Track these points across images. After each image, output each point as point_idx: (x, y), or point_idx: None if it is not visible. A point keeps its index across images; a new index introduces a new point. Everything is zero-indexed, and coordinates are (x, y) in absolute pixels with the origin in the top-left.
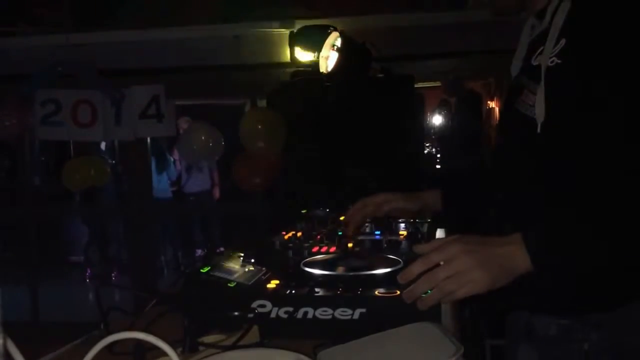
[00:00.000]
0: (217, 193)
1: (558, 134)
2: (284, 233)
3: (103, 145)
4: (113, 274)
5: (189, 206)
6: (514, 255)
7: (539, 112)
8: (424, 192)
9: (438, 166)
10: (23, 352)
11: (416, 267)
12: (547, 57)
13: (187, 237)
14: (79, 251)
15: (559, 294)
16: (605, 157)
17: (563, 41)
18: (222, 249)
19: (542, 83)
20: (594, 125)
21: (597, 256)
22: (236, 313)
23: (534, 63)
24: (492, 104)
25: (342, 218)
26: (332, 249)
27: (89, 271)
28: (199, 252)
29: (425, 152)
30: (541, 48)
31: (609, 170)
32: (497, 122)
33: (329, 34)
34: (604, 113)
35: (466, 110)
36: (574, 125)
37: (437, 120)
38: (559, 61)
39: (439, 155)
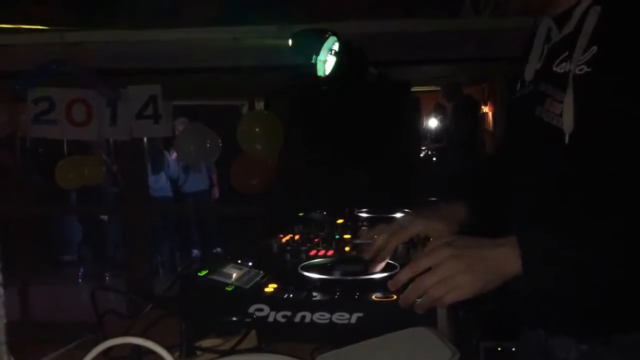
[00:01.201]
0: (216, 193)
1: (587, 146)
2: (281, 236)
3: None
4: (107, 274)
5: (185, 206)
6: (505, 258)
7: (568, 123)
8: (442, 206)
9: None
10: (14, 353)
11: (404, 274)
12: (575, 65)
13: (184, 236)
14: (71, 250)
15: (578, 315)
16: (635, 172)
17: (594, 49)
18: (218, 249)
19: (571, 92)
20: (625, 139)
21: (594, 274)
22: (234, 318)
23: (559, 70)
24: (485, 109)
25: (339, 221)
26: (330, 253)
27: (81, 270)
28: (195, 252)
29: (422, 155)
30: (565, 54)
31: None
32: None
33: (327, 38)
34: (636, 127)
35: (464, 115)
36: (604, 138)
37: (432, 123)
38: (588, 69)
39: (434, 159)
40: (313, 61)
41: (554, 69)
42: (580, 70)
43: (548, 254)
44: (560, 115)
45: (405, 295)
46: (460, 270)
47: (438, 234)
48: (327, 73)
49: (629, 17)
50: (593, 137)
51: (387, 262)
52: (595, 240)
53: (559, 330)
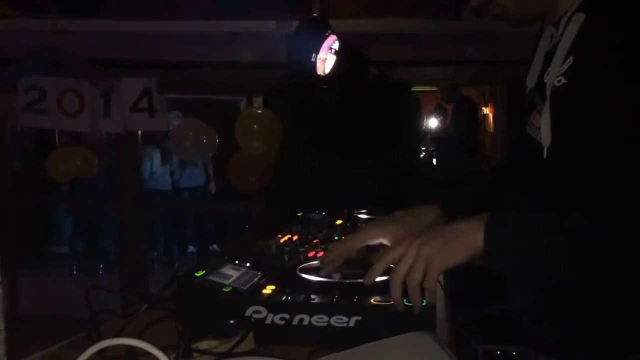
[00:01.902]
0: (213, 188)
1: (563, 162)
2: (279, 236)
3: None
4: (100, 267)
5: (181, 202)
6: (470, 228)
7: (545, 136)
8: (414, 209)
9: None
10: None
11: (375, 270)
12: (553, 76)
13: (181, 232)
14: (61, 241)
15: (564, 336)
16: (608, 188)
17: (571, 59)
18: (215, 245)
19: (547, 105)
20: (599, 154)
21: (549, 264)
22: (232, 321)
23: (545, 80)
24: (486, 110)
25: (338, 222)
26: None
27: (73, 264)
28: (191, 248)
29: (421, 156)
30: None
31: (606, 197)
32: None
33: (327, 36)
34: (609, 143)
35: (463, 117)
36: (579, 154)
37: (433, 123)
38: (565, 81)
39: (434, 160)
40: (312, 59)
41: (544, 79)
42: (558, 82)
43: (512, 225)
44: (540, 128)
45: (392, 296)
46: (422, 244)
47: (394, 239)
48: (326, 72)
49: (607, 27)
50: (568, 152)
51: None
52: (566, 221)
53: (549, 349)
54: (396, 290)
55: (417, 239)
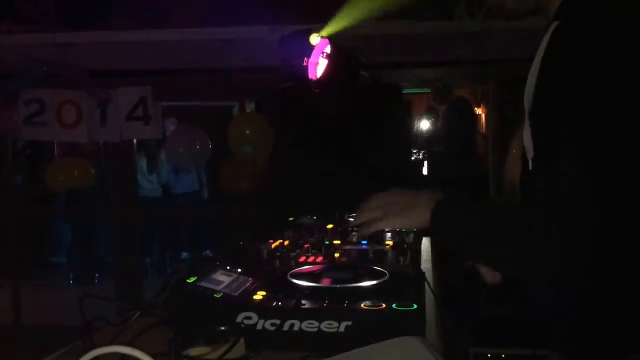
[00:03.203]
0: (206, 194)
1: (541, 175)
2: (271, 242)
3: None
4: (96, 276)
5: (175, 208)
6: (427, 202)
7: (528, 148)
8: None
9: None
10: (4, 357)
11: (361, 215)
12: (532, 85)
13: (174, 238)
14: (59, 252)
15: (595, 338)
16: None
17: (538, 68)
18: (208, 252)
19: (527, 115)
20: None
21: (475, 248)
22: (223, 328)
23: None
24: (479, 111)
25: (329, 226)
26: (320, 259)
27: (71, 274)
28: (184, 254)
29: (413, 158)
30: None
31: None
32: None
33: (319, 41)
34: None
35: (455, 118)
36: (550, 167)
37: (425, 125)
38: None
39: (426, 162)
40: (304, 64)
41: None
42: (535, 90)
43: (459, 205)
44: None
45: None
46: (390, 207)
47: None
48: (318, 76)
49: (571, 37)
50: (543, 165)
51: (377, 270)
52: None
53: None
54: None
55: (386, 196)
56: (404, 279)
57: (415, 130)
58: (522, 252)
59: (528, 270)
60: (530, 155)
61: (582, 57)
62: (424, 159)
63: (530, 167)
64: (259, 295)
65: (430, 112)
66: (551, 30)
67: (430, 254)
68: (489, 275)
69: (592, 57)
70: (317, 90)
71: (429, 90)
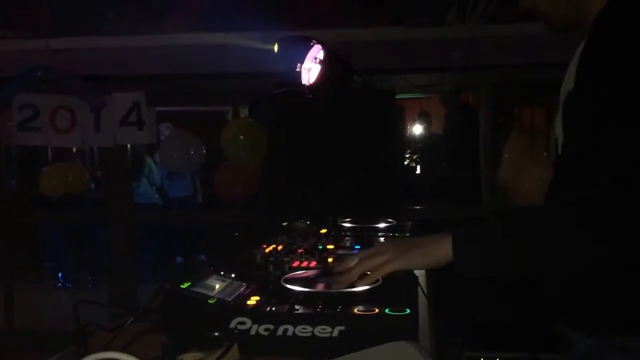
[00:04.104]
0: (200, 198)
1: (568, 161)
2: (264, 246)
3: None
4: (90, 280)
5: (168, 213)
6: (436, 241)
7: (558, 134)
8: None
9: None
10: None
11: (350, 261)
12: (569, 82)
13: (168, 243)
14: (53, 256)
15: (586, 313)
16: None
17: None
18: (202, 256)
19: (560, 109)
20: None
21: (503, 265)
22: (216, 334)
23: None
24: None
25: (322, 231)
26: (313, 264)
27: (61, 277)
28: (179, 259)
29: (406, 163)
30: None
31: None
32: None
33: (312, 46)
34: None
35: (457, 123)
36: (577, 154)
37: (417, 129)
38: (572, 89)
39: (418, 167)
40: (297, 69)
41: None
42: (572, 87)
43: (475, 235)
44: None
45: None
46: (393, 251)
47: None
48: (311, 81)
49: (603, 39)
50: (572, 153)
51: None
52: (527, 231)
53: (575, 325)
54: (348, 263)
55: (388, 243)
56: (396, 284)
57: (407, 134)
58: (556, 249)
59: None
60: (560, 141)
61: (609, 62)
62: (417, 162)
63: (559, 152)
64: (253, 300)
65: (422, 117)
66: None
67: None
68: None
69: (624, 63)
70: (310, 95)
71: (421, 95)
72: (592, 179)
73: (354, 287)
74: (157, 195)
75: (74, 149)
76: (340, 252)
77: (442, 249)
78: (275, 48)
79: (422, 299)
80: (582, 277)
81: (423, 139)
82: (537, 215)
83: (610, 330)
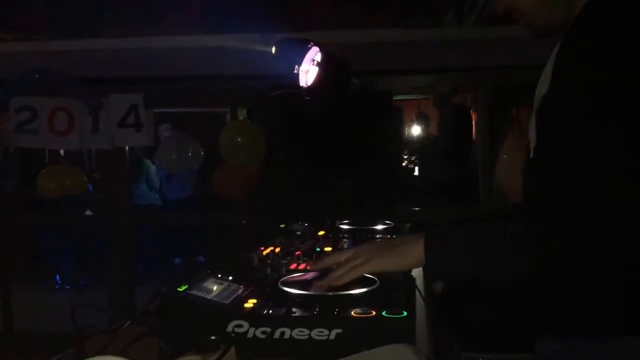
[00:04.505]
0: (198, 200)
1: (546, 164)
2: (262, 248)
3: None
4: (88, 281)
5: (166, 215)
6: (412, 242)
7: (531, 138)
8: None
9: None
10: None
11: (325, 260)
12: (544, 86)
13: (167, 244)
14: (51, 258)
15: (560, 318)
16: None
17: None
18: (201, 257)
19: (534, 113)
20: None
21: (474, 273)
22: (213, 337)
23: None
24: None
25: (320, 233)
26: (310, 266)
27: (59, 279)
28: (177, 260)
29: (404, 164)
30: None
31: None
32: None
33: (309, 48)
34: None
35: (451, 124)
36: (556, 157)
37: (415, 131)
38: (545, 91)
39: (416, 168)
40: (295, 71)
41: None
42: (546, 91)
43: (448, 238)
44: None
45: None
46: (369, 252)
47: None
48: (309, 83)
49: (578, 42)
50: (543, 157)
51: (367, 277)
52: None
53: (553, 330)
54: (320, 264)
55: (365, 244)
56: (394, 286)
57: (405, 135)
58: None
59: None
60: (532, 145)
61: (590, 62)
62: (415, 163)
63: (532, 155)
64: (250, 303)
65: (420, 118)
66: (563, 37)
67: None
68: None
69: (599, 63)
70: (308, 97)
71: (419, 97)
72: (577, 180)
73: (330, 290)
74: (157, 196)
75: (62, 152)
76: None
77: (416, 251)
78: (273, 50)
79: (419, 301)
80: (560, 283)
81: (421, 140)
82: (521, 219)
83: (587, 333)
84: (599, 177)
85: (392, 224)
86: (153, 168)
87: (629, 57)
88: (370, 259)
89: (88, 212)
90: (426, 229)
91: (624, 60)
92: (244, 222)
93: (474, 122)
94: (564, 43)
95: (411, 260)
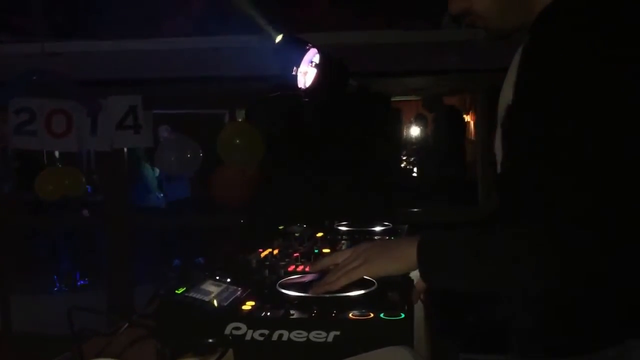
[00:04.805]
0: (197, 201)
1: (508, 176)
2: (260, 250)
3: None
4: (87, 283)
5: (165, 216)
6: (406, 245)
7: (497, 151)
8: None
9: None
10: None
11: (324, 260)
12: (508, 94)
13: (166, 245)
14: (49, 259)
15: (530, 338)
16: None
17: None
18: (200, 259)
19: (499, 122)
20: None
21: (465, 279)
22: (210, 340)
23: (501, 96)
24: (467, 118)
25: (318, 235)
26: (308, 268)
27: (57, 281)
28: (176, 261)
29: (402, 165)
30: None
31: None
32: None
33: (307, 50)
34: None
35: (445, 126)
36: (512, 170)
37: (414, 132)
38: (511, 98)
39: (415, 169)
40: (293, 73)
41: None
42: (511, 100)
43: (442, 245)
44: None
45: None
46: (367, 254)
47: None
48: (307, 85)
49: (538, 50)
50: (512, 169)
51: (365, 279)
52: (491, 244)
53: (519, 351)
54: (318, 266)
55: (362, 246)
56: (392, 288)
57: (404, 136)
58: (527, 266)
59: (532, 282)
60: (499, 158)
61: (550, 69)
62: (414, 165)
63: (498, 169)
64: (248, 305)
65: (419, 119)
66: (524, 40)
67: None
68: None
69: (560, 70)
70: (306, 99)
71: (418, 98)
72: (561, 186)
73: (328, 292)
74: (161, 195)
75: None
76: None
77: (410, 255)
78: (278, 38)
79: (417, 303)
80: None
81: (419, 141)
82: (512, 232)
83: (595, 342)
84: (593, 181)
85: (391, 226)
86: (152, 169)
87: (590, 60)
88: (364, 263)
89: (85, 212)
90: (422, 233)
91: (586, 64)
92: (242, 221)
93: (472, 123)
94: (525, 50)
95: (405, 264)
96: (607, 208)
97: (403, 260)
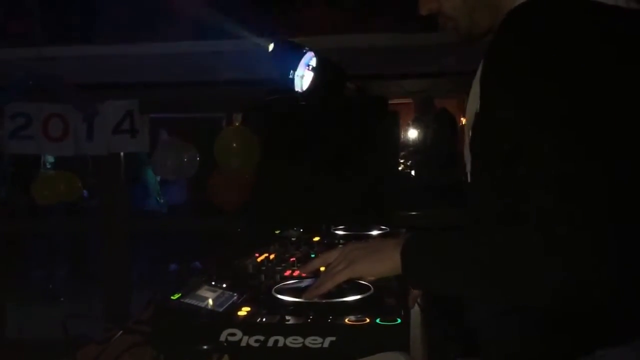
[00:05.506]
0: (194, 205)
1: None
2: (257, 255)
3: None
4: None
5: (161, 220)
6: (393, 247)
7: (467, 162)
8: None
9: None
10: None
11: (314, 262)
12: (475, 101)
13: (162, 250)
14: (44, 265)
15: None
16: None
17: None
18: (197, 263)
19: (467, 132)
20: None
21: (450, 282)
22: (205, 347)
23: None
24: (464, 121)
25: (315, 239)
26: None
27: (53, 287)
28: (173, 266)
29: (400, 168)
30: None
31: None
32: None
33: (304, 53)
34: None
35: (438, 129)
36: (475, 178)
37: (412, 134)
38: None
39: (412, 172)
40: (290, 76)
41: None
42: (479, 108)
43: (426, 246)
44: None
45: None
46: (354, 255)
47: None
48: (304, 88)
49: (495, 52)
50: (476, 179)
51: (361, 284)
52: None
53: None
54: (309, 267)
55: (348, 247)
56: (388, 293)
57: (402, 139)
58: (516, 273)
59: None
60: (468, 168)
61: (510, 72)
62: (411, 168)
63: (469, 178)
64: (243, 311)
65: (416, 122)
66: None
67: None
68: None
69: (520, 72)
70: (304, 102)
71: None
72: (543, 188)
73: (324, 297)
74: (161, 200)
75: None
76: None
77: (395, 256)
78: (270, 47)
79: (414, 308)
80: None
81: (417, 144)
82: (494, 237)
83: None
84: (578, 188)
85: (388, 229)
86: (151, 173)
87: (555, 65)
88: (350, 264)
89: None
90: (407, 234)
91: (551, 69)
92: (239, 230)
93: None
94: (486, 54)
95: (390, 266)
96: (567, 215)
97: (388, 261)
